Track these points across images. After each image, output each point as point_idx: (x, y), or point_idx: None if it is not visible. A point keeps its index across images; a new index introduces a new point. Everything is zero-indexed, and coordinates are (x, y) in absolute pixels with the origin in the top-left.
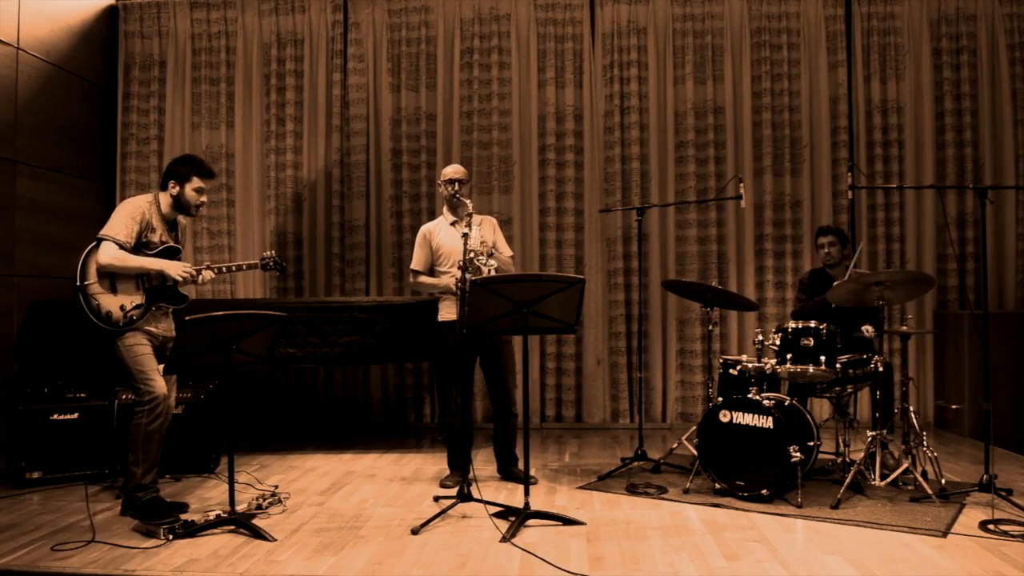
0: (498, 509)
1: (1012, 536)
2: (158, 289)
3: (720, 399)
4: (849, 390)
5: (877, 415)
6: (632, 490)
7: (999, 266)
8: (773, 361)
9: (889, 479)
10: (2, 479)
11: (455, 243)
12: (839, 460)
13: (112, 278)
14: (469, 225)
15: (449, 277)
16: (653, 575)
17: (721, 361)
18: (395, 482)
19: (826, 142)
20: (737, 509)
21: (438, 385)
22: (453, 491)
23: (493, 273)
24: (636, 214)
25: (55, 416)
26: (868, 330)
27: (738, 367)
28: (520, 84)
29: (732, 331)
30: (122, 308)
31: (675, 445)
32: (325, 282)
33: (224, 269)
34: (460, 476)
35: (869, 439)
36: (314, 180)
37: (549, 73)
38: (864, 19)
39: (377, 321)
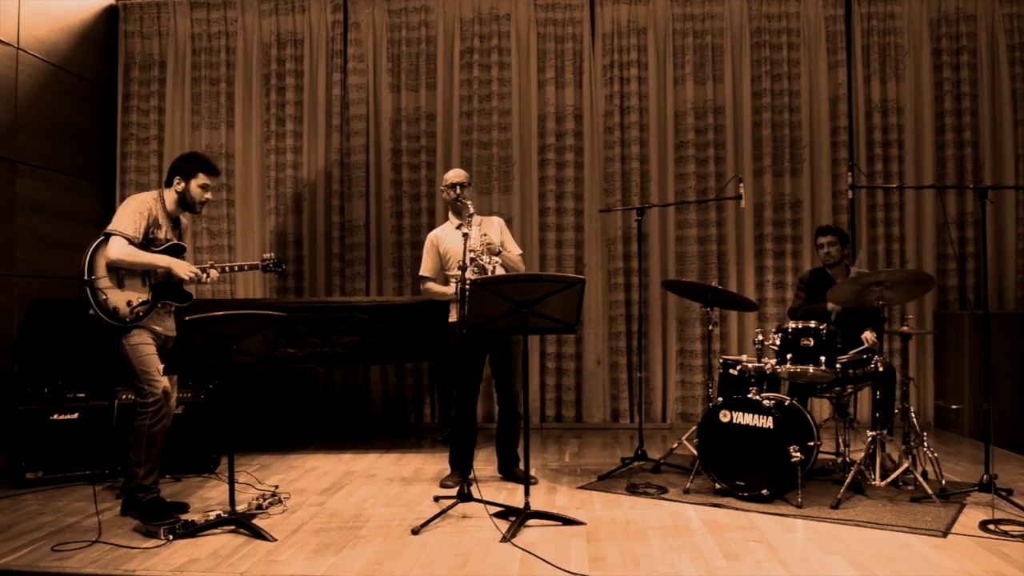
0: (498, 509)
1: (1012, 536)
2: (164, 286)
3: (720, 399)
4: (849, 390)
5: (877, 415)
6: (632, 490)
7: (999, 266)
8: (773, 361)
9: (889, 479)
10: (2, 479)
11: (461, 246)
12: (839, 460)
13: (119, 274)
14: (470, 225)
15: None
16: (653, 575)
17: (721, 361)
18: (395, 482)
19: (826, 142)
20: (737, 509)
21: (439, 385)
22: (453, 491)
23: (499, 271)
24: (636, 214)
25: (55, 416)
26: (868, 337)
27: (738, 367)
28: (520, 84)
29: (732, 331)
30: (129, 304)
31: (675, 445)
32: (325, 282)
33: (228, 269)
34: (460, 476)
35: (869, 439)
36: (314, 180)
37: (549, 73)
38: (864, 19)
39: (377, 321)
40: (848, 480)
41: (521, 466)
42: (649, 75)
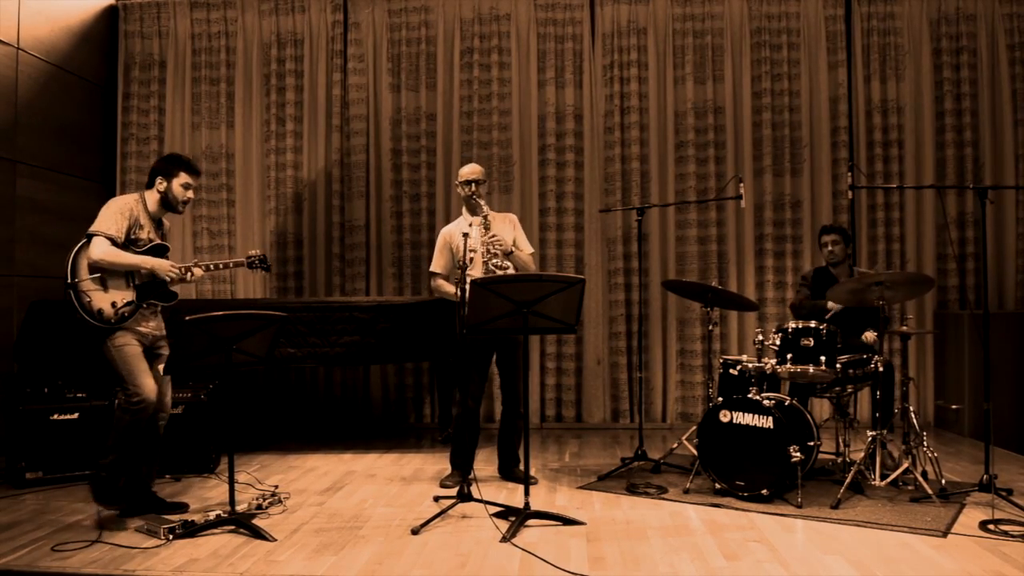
0: (498, 509)
1: (1012, 536)
2: (148, 286)
3: (720, 399)
4: (849, 390)
5: (877, 415)
6: (632, 490)
7: (999, 266)
8: (773, 361)
9: (889, 479)
10: (2, 479)
11: (477, 244)
12: (839, 460)
13: (102, 275)
14: (486, 226)
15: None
16: (653, 575)
17: (721, 361)
18: (395, 482)
19: (826, 142)
20: (737, 509)
21: (439, 385)
22: (453, 491)
23: (511, 273)
24: (636, 214)
25: (55, 416)
26: (868, 337)
27: (738, 367)
28: (520, 84)
29: (732, 331)
30: (113, 305)
31: (675, 445)
32: (325, 282)
33: (212, 267)
34: (460, 476)
35: (869, 439)
36: (314, 180)
37: (549, 73)
38: (864, 19)
39: (377, 321)
40: (848, 480)
41: (521, 466)
42: (649, 75)
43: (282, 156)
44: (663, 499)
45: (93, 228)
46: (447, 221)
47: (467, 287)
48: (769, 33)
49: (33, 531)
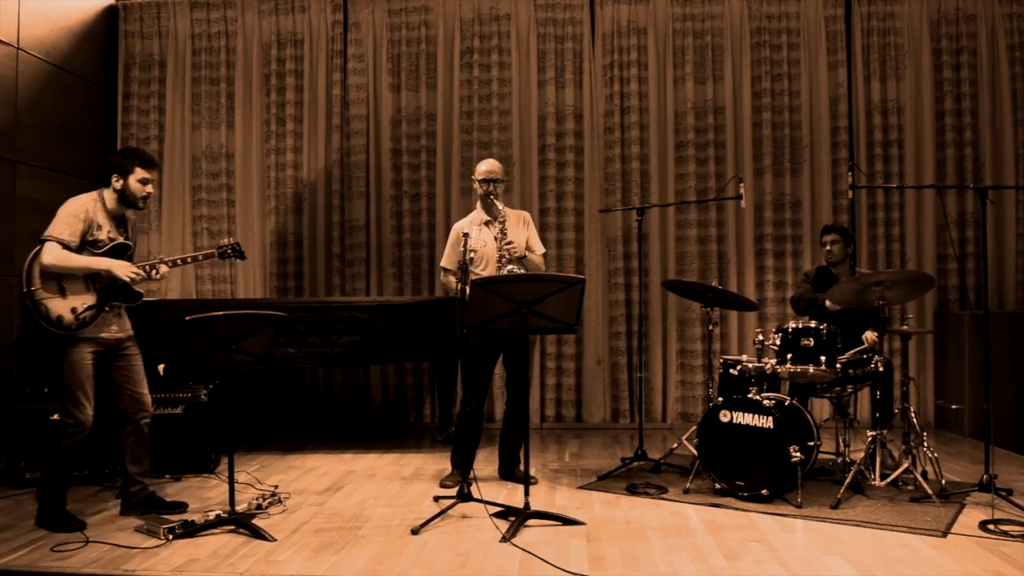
0: (498, 509)
1: (1012, 536)
2: (110, 288)
3: (720, 399)
4: (849, 390)
5: (877, 415)
6: (632, 490)
7: (999, 266)
8: (773, 361)
9: (889, 479)
10: (2, 479)
11: (486, 244)
12: (839, 460)
13: (59, 281)
14: (503, 230)
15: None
16: (653, 575)
17: (721, 361)
18: (395, 482)
19: (826, 142)
20: (737, 509)
21: (439, 385)
22: (453, 491)
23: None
24: (636, 214)
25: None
26: (869, 337)
27: (738, 367)
28: (520, 84)
29: (732, 331)
30: (73, 311)
31: (675, 445)
32: (325, 282)
33: (180, 261)
34: (460, 475)
35: (869, 439)
36: (314, 180)
37: (549, 73)
38: (864, 19)
39: (377, 321)
40: (848, 480)
41: (521, 467)
42: (649, 75)
43: (282, 156)
44: (663, 499)
45: (46, 233)
46: (447, 221)
47: (467, 287)
48: (769, 33)
49: (33, 531)
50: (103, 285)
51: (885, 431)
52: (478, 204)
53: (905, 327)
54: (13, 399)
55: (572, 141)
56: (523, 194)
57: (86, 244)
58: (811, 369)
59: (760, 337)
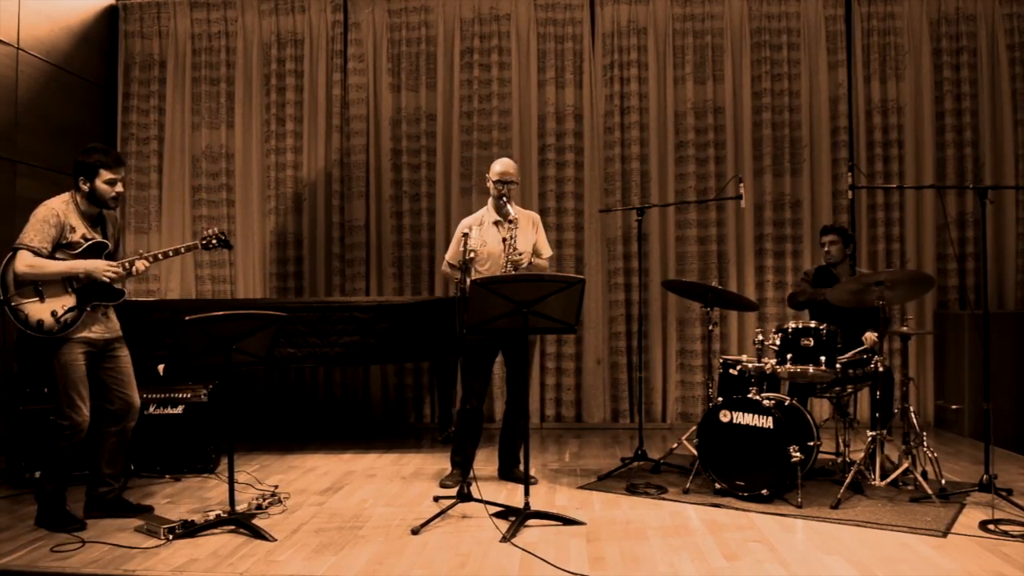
0: (498, 509)
1: (1012, 536)
2: (90, 288)
3: (720, 399)
4: (849, 390)
5: (877, 415)
6: (632, 490)
7: (999, 266)
8: (773, 361)
9: (889, 479)
10: (2, 479)
11: (493, 244)
12: (839, 460)
13: (36, 285)
14: (515, 236)
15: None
16: (653, 575)
17: (721, 361)
18: (395, 482)
19: (826, 142)
20: (737, 509)
21: (439, 385)
22: (453, 491)
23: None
24: (636, 214)
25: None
26: (869, 338)
27: (738, 367)
28: (520, 84)
29: (732, 331)
30: (54, 314)
31: (675, 445)
32: (325, 282)
33: (161, 255)
34: (460, 475)
35: (869, 439)
36: (314, 180)
37: (549, 73)
38: (864, 19)
39: (377, 321)
40: (848, 480)
41: (521, 467)
42: (649, 75)
43: (282, 156)
44: (663, 499)
45: (18, 240)
46: (447, 221)
47: (467, 287)
48: (769, 33)
49: (33, 531)
50: (81, 285)
51: (885, 431)
52: (490, 202)
53: (905, 327)
54: (13, 399)
55: (572, 141)
56: (523, 194)
57: (61, 247)
58: (811, 369)
59: (760, 337)
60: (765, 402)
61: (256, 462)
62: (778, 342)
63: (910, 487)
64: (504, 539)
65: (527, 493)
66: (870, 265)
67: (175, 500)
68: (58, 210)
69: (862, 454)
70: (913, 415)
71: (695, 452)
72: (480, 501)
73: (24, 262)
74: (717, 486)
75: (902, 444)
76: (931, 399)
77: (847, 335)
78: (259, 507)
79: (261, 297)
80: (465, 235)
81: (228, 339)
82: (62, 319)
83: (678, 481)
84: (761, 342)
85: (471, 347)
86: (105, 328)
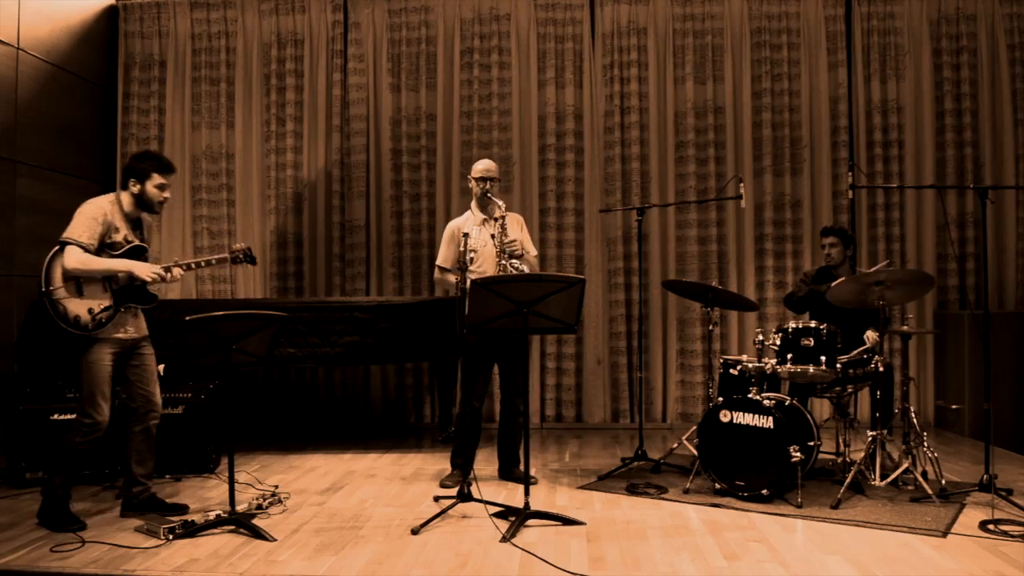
0: (498, 509)
1: (1012, 536)
2: (126, 290)
3: (720, 399)
4: (849, 390)
5: (877, 415)
6: (632, 490)
7: (999, 266)
8: (773, 361)
9: (889, 479)
10: (2, 479)
11: (489, 243)
12: (839, 460)
13: (78, 281)
14: (503, 226)
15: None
16: (653, 575)
17: (721, 361)
18: (395, 482)
19: (826, 142)
20: (737, 509)
21: (439, 385)
22: (453, 491)
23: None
24: (636, 214)
25: (55, 416)
26: (871, 337)
27: (738, 367)
28: (520, 84)
29: (732, 331)
30: (90, 311)
31: (675, 445)
32: (325, 282)
33: (194, 265)
34: (460, 475)
35: (869, 439)
36: (314, 180)
37: (549, 73)
38: (864, 19)
39: (377, 321)
40: (848, 480)
41: (521, 466)
42: (649, 75)
43: (282, 156)
44: (663, 499)
45: (65, 235)
46: (447, 221)
47: (467, 287)
48: (769, 33)
49: (33, 531)
50: (119, 287)
51: (885, 431)
52: (473, 204)
53: (905, 327)
54: (13, 399)
55: (572, 141)
56: (523, 194)
57: (104, 246)
58: (811, 369)
59: (760, 337)
60: (765, 402)
61: (256, 462)
62: (778, 342)
63: (910, 487)
64: (504, 539)
65: (527, 493)
66: (870, 265)
67: (175, 500)
68: (105, 209)
69: (862, 454)
70: (913, 415)
71: (695, 452)
72: (480, 501)
73: (75, 258)
74: (717, 486)
75: (902, 444)
76: (931, 399)
77: (847, 335)
78: (259, 507)
79: (261, 297)
80: (465, 235)
81: (228, 339)
82: (98, 317)
83: (678, 481)
84: (761, 342)
85: (470, 349)
86: (135, 329)
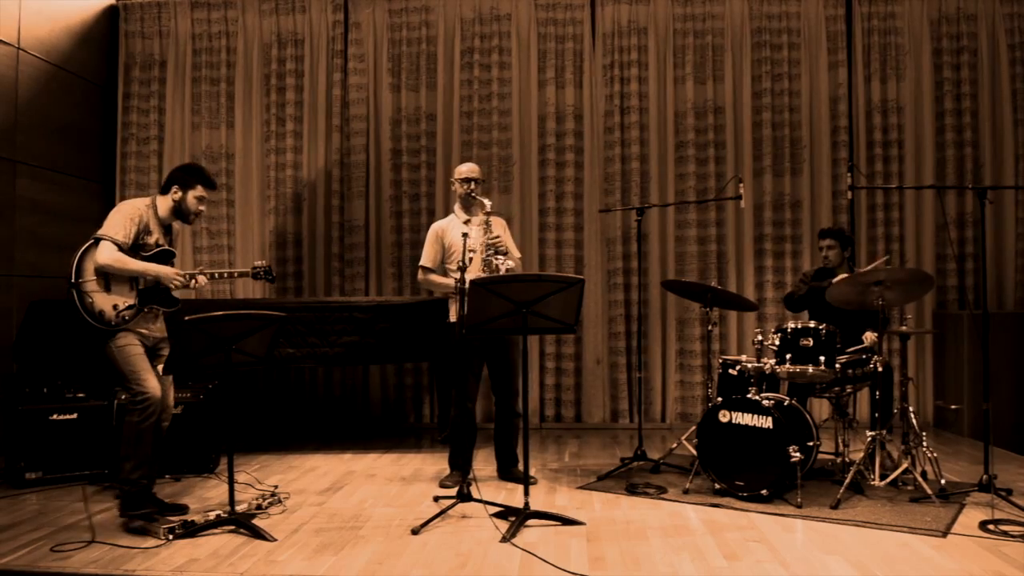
0: (498, 509)
1: (1012, 536)
2: (151, 291)
3: (720, 399)
4: (849, 390)
5: (876, 415)
6: (632, 490)
7: (999, 266)
8: (773, 361)
9: (889, 479)
10: (2, 479)
11: (473, 245)
12: (839, 460)
13: (107, 278)
14: (488, 223)
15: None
16: (653, 575)
17: (721, 361)
18: (395, 482)
19: (826, 142)
20: (737, 509)
21: (438, 385)
22: (453, 491)
23: (506, 272)
24: (636, 214)
25: (55, 416)
26: (869, 337)
27: (738, 367)
28: (520, 84)
29: (732, 331)
30: (115, 308)
31: (675, 445)
32: (325, 282)
33: (217, 275)
34: (460, 476)
35: (868, 439)
36: (314, 180)
37: (549, 73)
38: (864, 19)
39: (377, 321)
40: (848, 480)
41: (520, 466)
42: (649, 75)
43: (282, 156)
44: (663, 499)
45: (102, 231)
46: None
47: (467, 287)
48: (769, 33)
49: (33, 531)
50: (145, 287)
51: (884, 431)
52: (456, 206)
53: (904, 327)
54: (13, 399)
55: (572, 141)
56: (523, 194)
57: (135, 247)
58: (810, 369)
59: (759, 337)
60: (765, 402)
61: (256, 462)
62: (777, 342)
63: (910, 487)
64: (504, 539)
65: (527, 493)
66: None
67: (175, 500)
68: (141, 210)
69: (861, 454)
70: (912, 415)
71: (695, 452)
72: (480, 501)
73: (108, 254)
74: (717, 486)
75: (901, 444)
76: (931, 399)
77: (847, 335)
78: (259, 507)
79: (260, 297)
80: (465, 235)
81: (228, 339)
82: (121, 314)
83: (678, 481)
84: (760, 342)
85: (457, 350)
86: (158, 328)
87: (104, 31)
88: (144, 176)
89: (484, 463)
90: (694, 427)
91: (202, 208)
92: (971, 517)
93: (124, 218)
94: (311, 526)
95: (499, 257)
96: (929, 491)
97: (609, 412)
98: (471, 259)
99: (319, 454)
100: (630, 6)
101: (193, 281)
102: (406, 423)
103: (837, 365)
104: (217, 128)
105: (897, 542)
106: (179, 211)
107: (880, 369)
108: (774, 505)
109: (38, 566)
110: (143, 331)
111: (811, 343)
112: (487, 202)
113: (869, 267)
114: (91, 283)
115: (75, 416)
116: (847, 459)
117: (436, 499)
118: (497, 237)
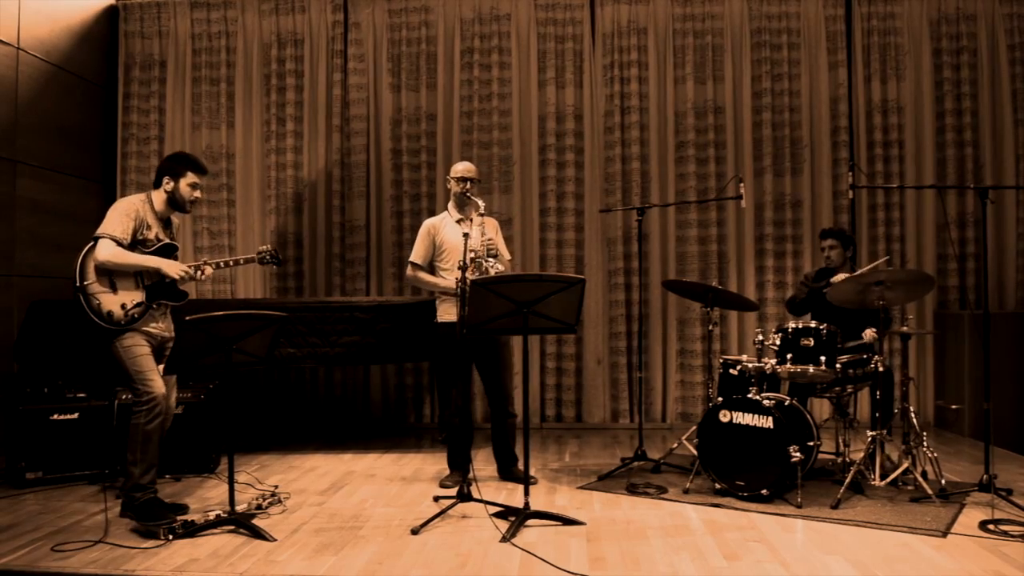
0: (498, 509)
1: (1012, 536)
2: (158, 286)
3: (720, 399)
4: (849, 390)
5: (877, 415)
6: (632, 490)
7: (999, 266)
8: (773, 361)
9: (889, 479)
10: (2, 479)
11: (459, 241)
12: (839, 460)
13: (111, 277)
14: (473, 224)
15: (452, 277)
16: (653, 575)
17: (721, 361)
18: (395, 482)
19: (826, 142)
20: (737, 509)
21: (438, 385)
22: (453, 491)
23: (495, 274)
24: (636, 214)
25: (55, 416)
26: (868, 334)
27: (738, 367)
28: (520, 84)
29: (732, 331)
30: (123, 307)
31: (675, 445)
32: (325, 282)
33: (223, 264)
34: (460, 476)
35: (869, 439)
36: (314, 180)
37: (549, 73)
38: (864, 19)
39: (377, 321)
40: (848, 480)
41: (520, 465)
42: (649, 75)
43: (282, 156)
44: (663, 499)
45: (100, 230)
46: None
47: (467, 288)
48: (769, 33)
49: (33, 531)
50: (151, 283)
51: (885, 431)
52: (450, 204)
53: (905, 327)
54: (13, 399)
55: (572, 141)
56: (523, 194)
57: (136, 243)
58: (811, 369)
59: (760, 337)
60: (765, 402)
61: (256, 462)
62: (778, 342)
63: (910, 487)
64: (504, 539)
65: (527, 493)
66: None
67: (175, 500)
68: (138, 206)
69: (862, 454)
70: (913, 415)
71: (695, 452)
72: (480, 501)
73: (107, 250)
74: (717, 486)
75: (902, 444)
76: (931, 399)
77: (847, 335)
78: (259, 507)
79: (261, 297)
80: (466, 235)
81: (228, 339)
82: (130, 312)
83: (678, 481)
84: (761, 342)
85: (446, 352)
86: (165, 327)
87: (104, 31)
88: (144, 176)
89: (484, 463)
90: (694, 427)
91: (197, 195)
92: (971, 517)
93: (120, 215)
94: (311, 526)
95: (489, 260)
96: (929, 491)
97: (609, 412)
98: (471, 259)
99: (319, 454)
100: (630, 6)
101: (200, 272)
102: (406, 423)
103: (838, 365)
104: (217, 128)
105: (897, 542)
106: (174, 201)
107: (881, 369)
108: (774, 505)
109: (38, 566)
110: (151, 330)
111: (812, 343)
112: (481, 203)
113: (869, 267)
114: (96, 285)
115: (76, 416)
116: (847, 459)
117: (436, 499)
118: (490, 239)
